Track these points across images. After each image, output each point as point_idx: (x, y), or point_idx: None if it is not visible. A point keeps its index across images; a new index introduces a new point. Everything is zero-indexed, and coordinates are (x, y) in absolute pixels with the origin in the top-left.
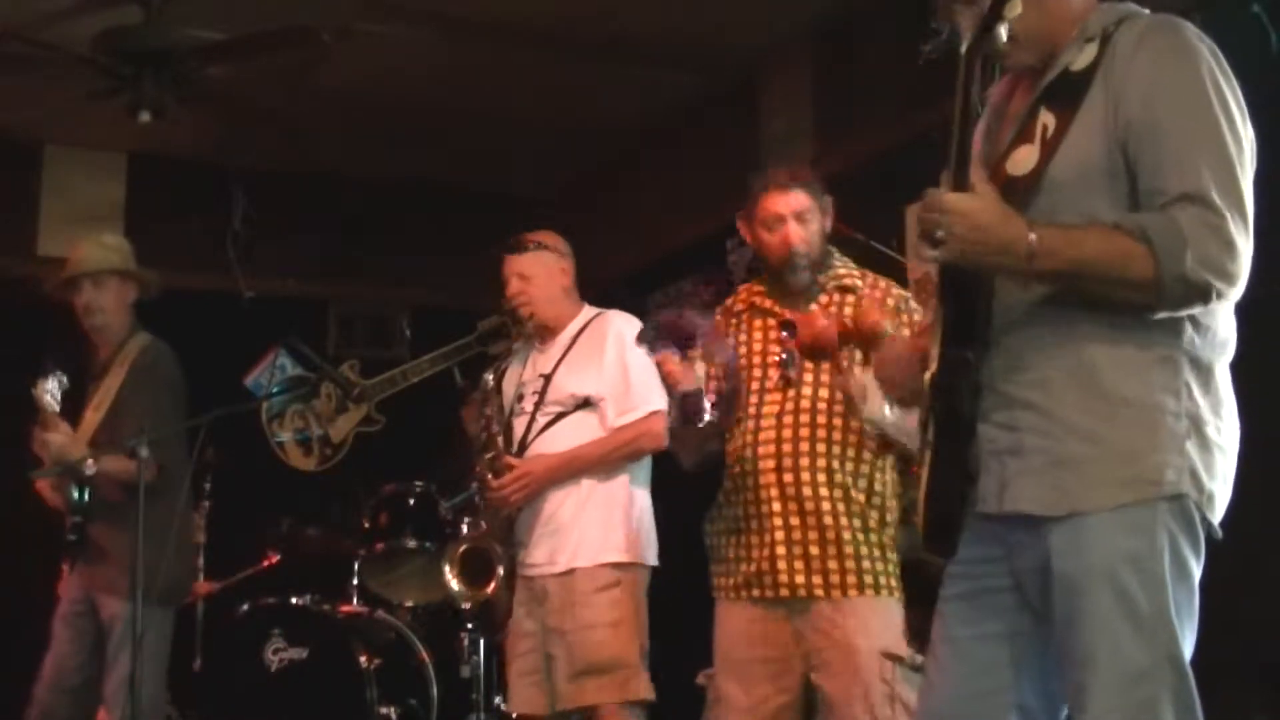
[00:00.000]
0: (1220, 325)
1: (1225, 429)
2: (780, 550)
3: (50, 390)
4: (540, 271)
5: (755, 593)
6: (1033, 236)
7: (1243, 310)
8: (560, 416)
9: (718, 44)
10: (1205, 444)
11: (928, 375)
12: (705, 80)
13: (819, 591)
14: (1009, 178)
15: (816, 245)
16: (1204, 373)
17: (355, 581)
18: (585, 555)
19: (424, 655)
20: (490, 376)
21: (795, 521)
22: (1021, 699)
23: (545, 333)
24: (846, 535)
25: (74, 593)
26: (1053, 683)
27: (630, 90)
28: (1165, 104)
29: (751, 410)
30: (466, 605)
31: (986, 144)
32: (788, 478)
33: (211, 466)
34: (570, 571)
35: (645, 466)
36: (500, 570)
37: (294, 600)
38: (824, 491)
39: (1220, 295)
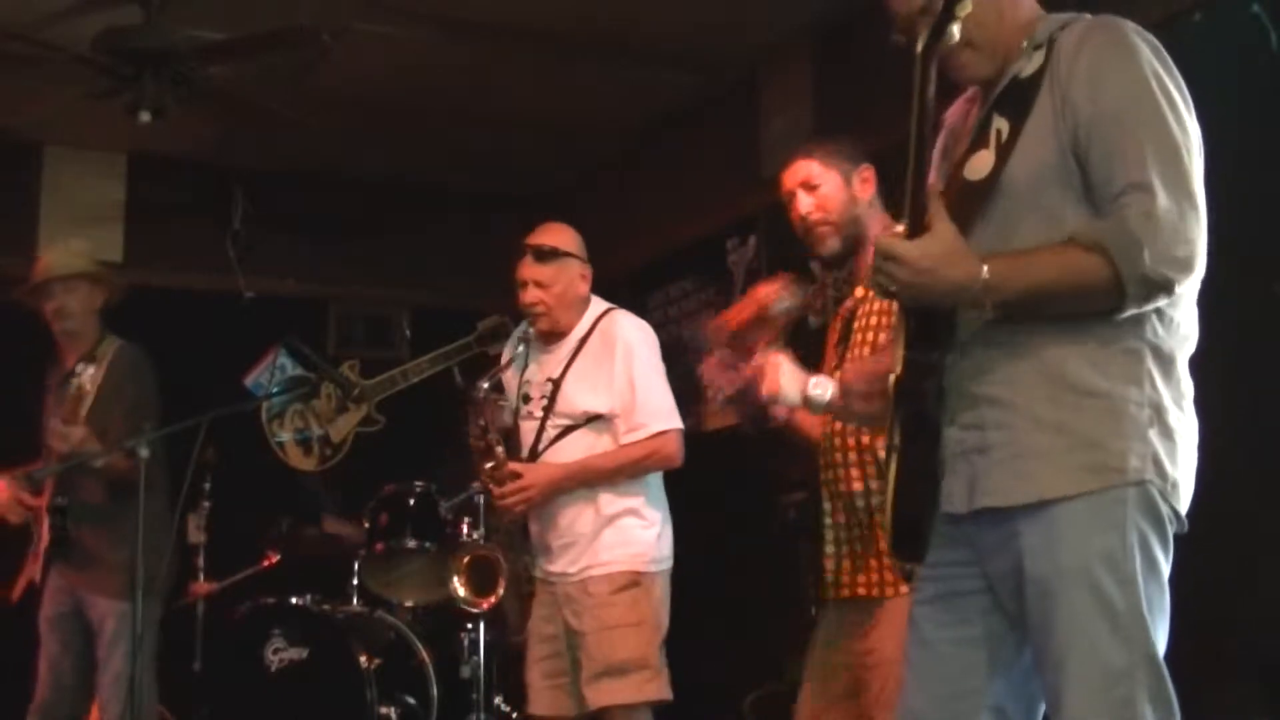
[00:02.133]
0: (1182, 317)
1: (1185, 420)
2: (829, 550)
3: (83, 381)
4: (561, 279)
5: (829, 593)
6: (985, 272)
7: (1242, 310)
8: (570, 429)
9: (718, 44)
10: (1167, 432)
11: (892, 379)
12: (705, 80)
13: (861, 591)
14: (966, 183)
15: (837, 209)
16: (1166, 363)
17: (355, 581)
18: (602, 560)
19: (424, 655)
20: (486, 384)
21: (841, 520)
22: (997, 700)
23: (553, 335)
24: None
25: (56, 594)
26: (1029, 683)
27: (630, 90)
28: (1108, 98)
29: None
30: (474, 611)
31: (944, 162)
32: (830, 475)
33: (211, 466)
34: (589, 576)
35: (658, 475)
36: (503, 580)
37: (294, 600)
38: (858, 487)
39: (1182, 284)
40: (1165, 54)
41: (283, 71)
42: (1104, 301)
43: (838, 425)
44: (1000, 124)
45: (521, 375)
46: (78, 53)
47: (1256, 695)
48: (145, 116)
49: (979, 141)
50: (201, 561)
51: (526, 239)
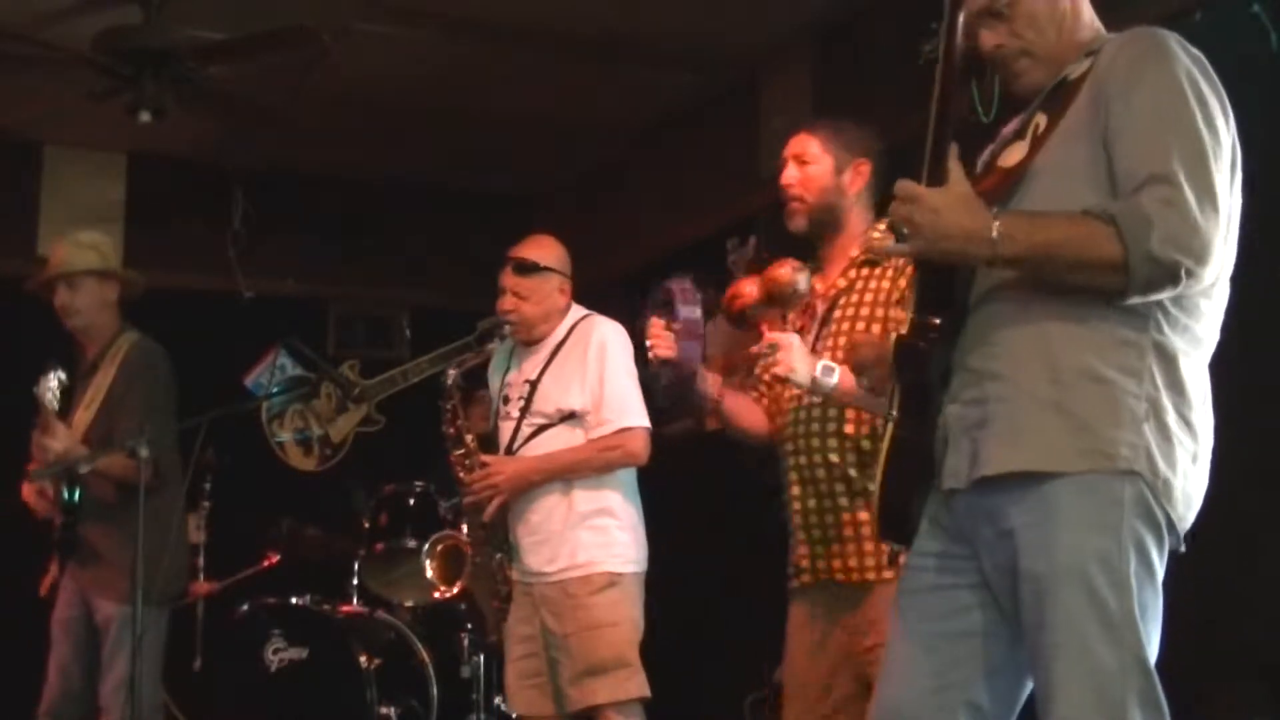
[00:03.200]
0: (1199, 325)
1: (1190, 425)
2: (800, 535)
3: (50, 388)
4: (539, 292)
5: (795, 581)
6: (997, 223)
7: (1242, 310)
8: (545, 428)
9: (718, 44)
10: (1165, 432)
11: (894, 338)
12: (705, 80)
13: (840, 576)
14: (999, 170)
15: (815, 189)
16: (1169, 362)
17: (355, 581)
18: (580, 562)
19: (424, 655)
20: (454, 371)
21: (812, 504)
22: (977, 697)
23: (532, 340)
24: (863, 516)
25: (69, 595)
26: (1016, 686)
27: (630, 90)
28: (1140, 98)
29: (789, 394)
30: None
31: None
32: (803, 460)
33: (211, 466)
34: (568, 578)
35: (632, 474)
36: (467, 569)
37: (294, 600)
38: (838, 473)
39: (1190, 274)
40: (1208, 66)
41: (283, 71)
42: (1108, 276)
43: (814, 411)
44: (1040, 119)
45: (503, 378)
46: (78, 53)
47: (1256, 695)
48: (145, 116)
49: (1018, 135)
50: (201, 561)
51: (511, 249)
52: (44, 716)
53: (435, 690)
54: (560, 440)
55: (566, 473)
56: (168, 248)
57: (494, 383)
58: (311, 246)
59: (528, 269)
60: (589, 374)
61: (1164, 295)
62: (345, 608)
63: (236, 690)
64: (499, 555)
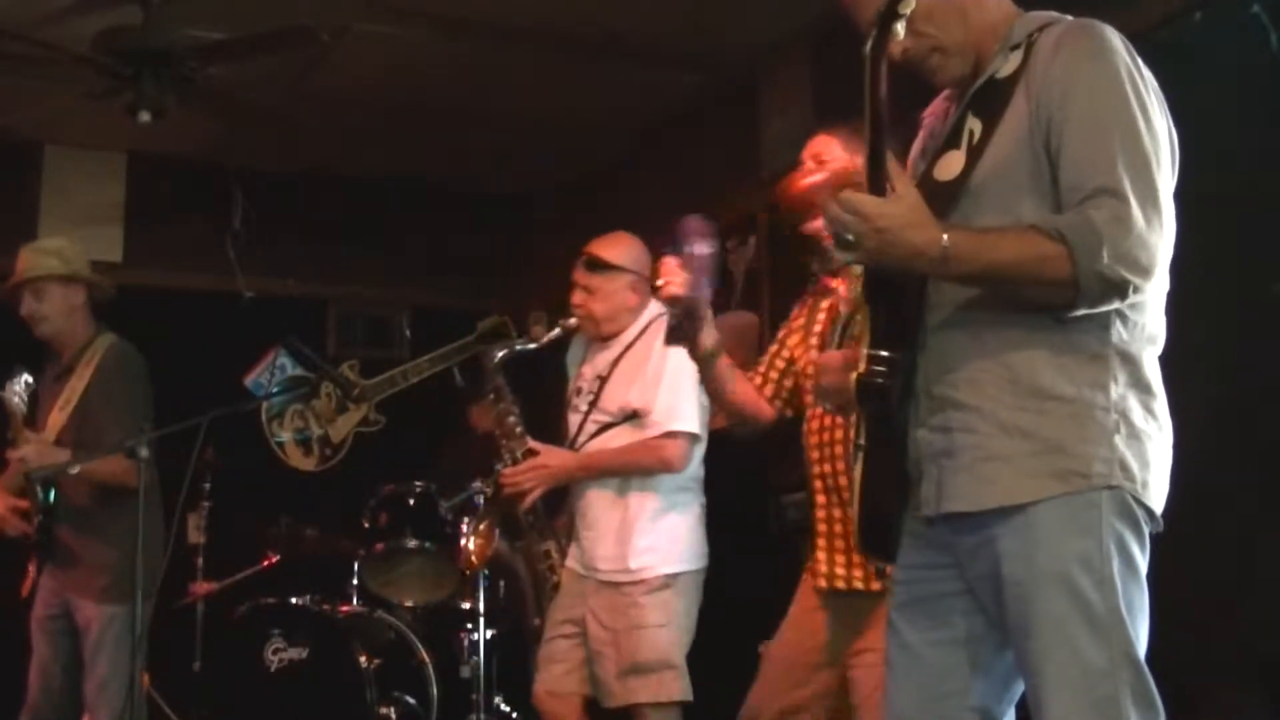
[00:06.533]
0: (1148, 320)
1: (1155, 419)
2: (821, 542)
3: (17, 392)
4: (607, 290)
5: (814, 582)
6: (946, 241)
7: (1242, 310)
8: (608, 426)
9: (718, 44)
10: (1135, 434)
11: (854, 376)
12: (705, 80)
13: (856, 584)
14: (936, 183)
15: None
16: (1132, 365)
17: (355, 581)
18: (634, 566)
19: (424, 655)
20: (502, 354)
21: (837, 514)
22: (980, 701)
23: (607, 336)
24: None
25: (47, 597)
26: (1012, 684)
27: (630, 90)
28: (1082, 102)
29: (810, 401)
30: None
31: (921, 161)
32: (826, 468)
33: (212, 466)
34: (621, 579)
35: (691, 474)
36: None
37: (294, 600)
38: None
39: (1137, 290)
40: (1139, 59)
41: (283, 71)
42: (1057, 294)
43: (829, 420)
44: (974, 124)
45: (577, 370)
46: (78, 53)
47: (1256, 696)
48: (145, 116)
49: (951, 142)
50: (201, 561)
51: (588, 245)
52: (26, 715)
53: (435, 690)
54: (623, 439)
55: (607, 472)
56: (168, 248)
57: (572, 372)
58: (311, 246)
59: (598, 266)
60: (649, 373)
61: (1112, 306)
62: (345, 608)
63: (236, 690)
64: (547, 544)
